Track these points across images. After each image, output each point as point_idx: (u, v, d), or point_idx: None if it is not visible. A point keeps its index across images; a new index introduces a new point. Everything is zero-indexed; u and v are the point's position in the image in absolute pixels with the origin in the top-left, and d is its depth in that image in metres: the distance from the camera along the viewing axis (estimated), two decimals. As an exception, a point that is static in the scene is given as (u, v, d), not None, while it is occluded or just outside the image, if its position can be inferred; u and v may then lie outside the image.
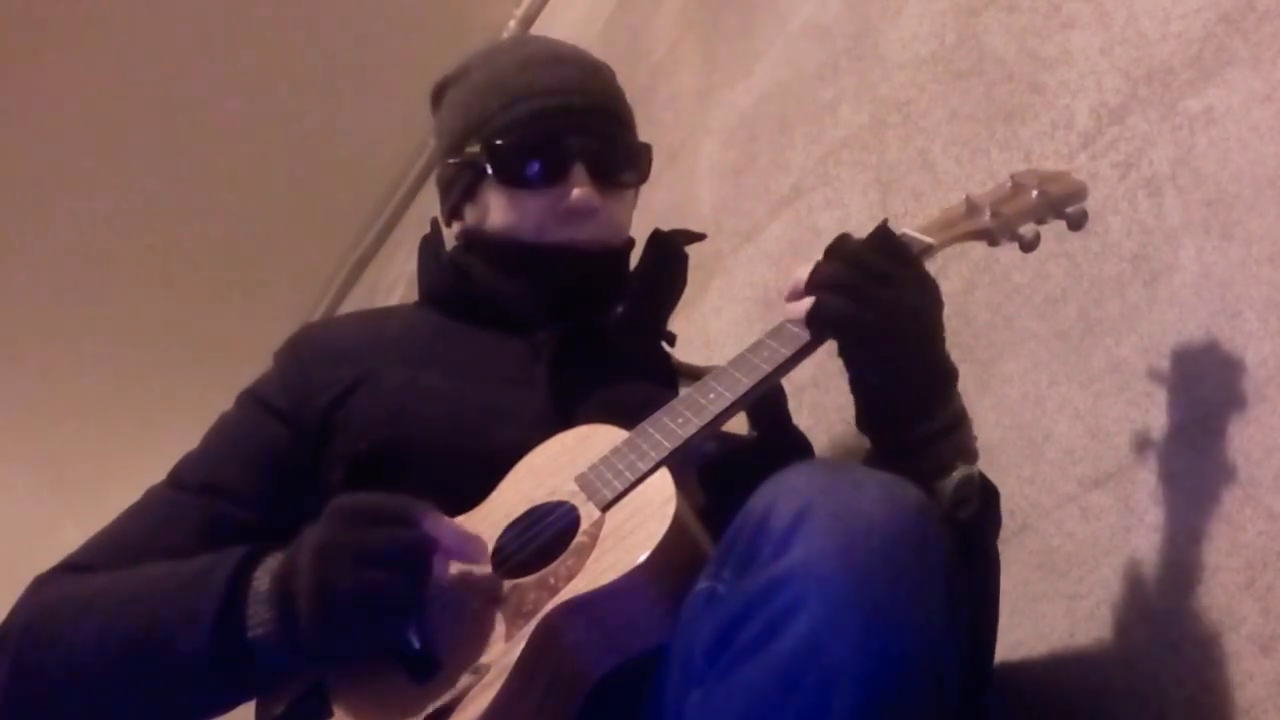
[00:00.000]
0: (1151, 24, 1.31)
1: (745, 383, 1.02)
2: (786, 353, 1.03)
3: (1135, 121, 1.31)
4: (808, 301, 1.04)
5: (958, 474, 1.06)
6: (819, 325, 1.03)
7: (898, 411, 1.07)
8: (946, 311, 1.10)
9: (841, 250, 1.05)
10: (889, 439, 1.09)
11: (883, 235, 1.06)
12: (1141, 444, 1.24)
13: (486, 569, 1.01)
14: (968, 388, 1.13)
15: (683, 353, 1.41)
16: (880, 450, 1.10)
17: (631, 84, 1.39)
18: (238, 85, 3.02)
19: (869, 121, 1.73)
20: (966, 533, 1.07)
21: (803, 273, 1.06)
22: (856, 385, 1.10)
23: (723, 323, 1.96)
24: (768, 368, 1.02)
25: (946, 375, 1.08)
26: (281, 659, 0.98)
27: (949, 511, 1.05)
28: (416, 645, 0.96)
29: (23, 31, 2.74)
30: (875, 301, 1.02)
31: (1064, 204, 1.14)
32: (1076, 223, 1.14)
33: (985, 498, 1.11)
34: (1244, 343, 1.16)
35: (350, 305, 3.71)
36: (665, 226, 1.35)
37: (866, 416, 1.10)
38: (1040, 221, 1.13)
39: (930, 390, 1.07)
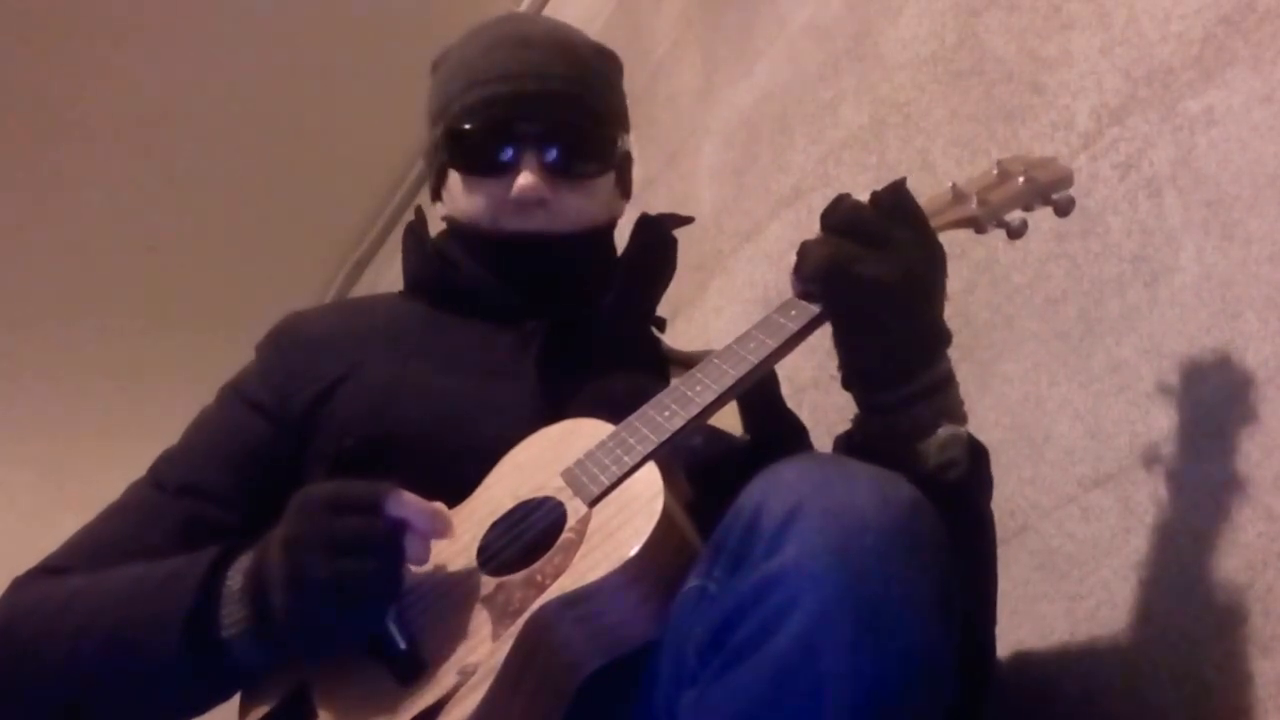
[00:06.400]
0: (1151, 24, 1.30)
1: (732, 375, 1.01)
2: (773, 344, 1.02)
3: (1135, 122, 1.30)
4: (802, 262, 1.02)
5: (942, 433, 1.03)
6: (804, 282, 1.02)
7: (878, 371, 1.05)
8: (947, 312, 1.08)
9: (838, 211, 1.04)
10: (868, 398, 1.07)
11: (891, 193, 1.04)
12: (1141, 444, 1.23)
13: (467, 552, 1.00)
14: (968, 389, 1.11)
15: (681, 353, 1.40)
16: (861, 409, 1.08)
17: (631, 84, 1.37)
18: (237, 85, 3.02)
19: (869, 121, 1.72)
20: (955, 495, 1.03)
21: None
22: (839, 344, 1.07)
23: (723, 323, 1.96)
24: (754, 359, 1.01)
25: (936, 339, 1.05)
26: (260, 656, 0.97)
27: (934, 473, 1.02)
28: (402, 645, 0.95)
29: (24, 33, 2.74)
30: (864, 261, 1.00)
31: (1051, 190, 1.12)
32: (1064, 209, 1.12)
33: (974, 458, 1.06)
34: (1244, 343, 1.15)
35: (350, 307, 3.70)
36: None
37: (846, 374, 1.08)
38: (1028, 209, 1.11)
39: (914, 353, 1.04)
